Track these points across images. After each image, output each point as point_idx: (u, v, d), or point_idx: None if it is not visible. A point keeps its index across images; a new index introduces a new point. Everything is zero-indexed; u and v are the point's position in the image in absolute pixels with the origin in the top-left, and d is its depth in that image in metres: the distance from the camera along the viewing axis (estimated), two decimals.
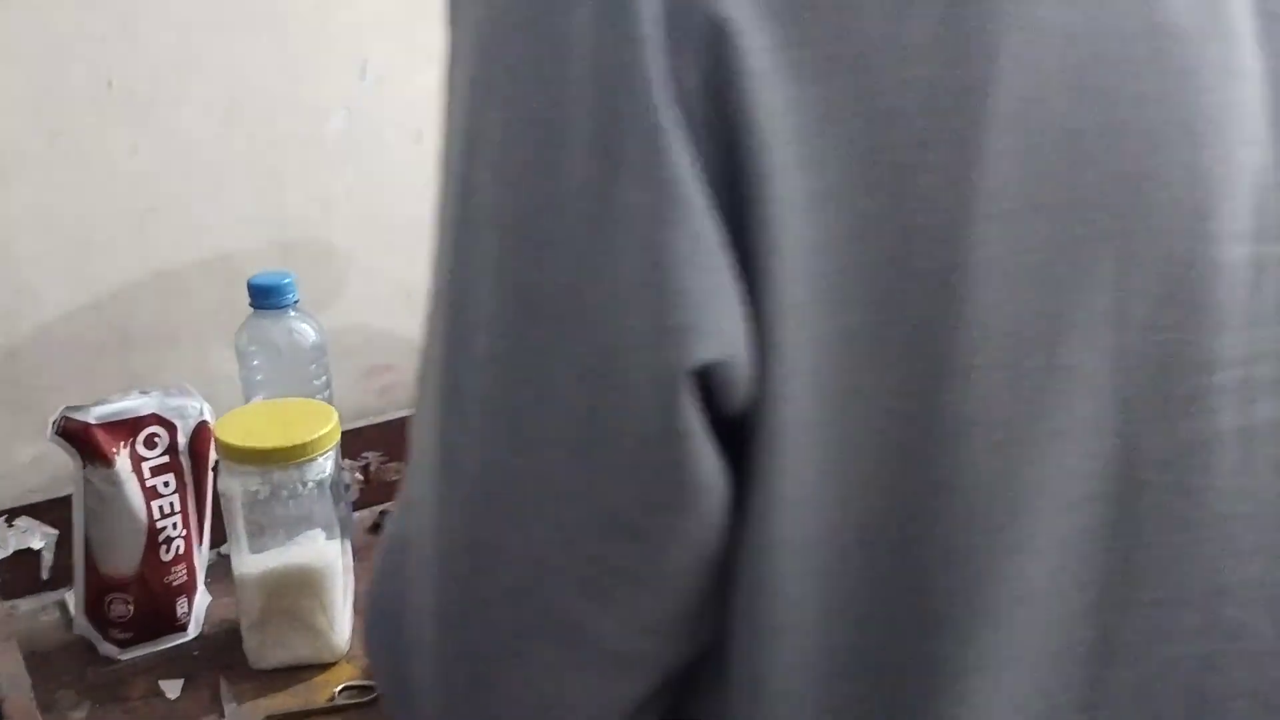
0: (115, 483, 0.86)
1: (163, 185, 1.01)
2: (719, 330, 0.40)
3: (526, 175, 0.41)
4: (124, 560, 0.88)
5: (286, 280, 0.96)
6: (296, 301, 0.97)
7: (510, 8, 0.42)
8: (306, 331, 0.98)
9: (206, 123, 1.01)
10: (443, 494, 0.45)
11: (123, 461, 0.86)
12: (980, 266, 0.41)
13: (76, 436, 0.85)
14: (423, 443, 0.47)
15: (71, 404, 0.86)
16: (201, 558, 0.93)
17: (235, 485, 0.83)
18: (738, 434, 0.42)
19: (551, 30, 0.40)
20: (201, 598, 0.93)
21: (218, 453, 0.85)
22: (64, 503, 0.97)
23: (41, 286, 0.98)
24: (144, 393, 0.88)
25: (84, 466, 0.86)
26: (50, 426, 0.85)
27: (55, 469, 1.02)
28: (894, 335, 0.42)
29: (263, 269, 1.07)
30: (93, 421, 0.85)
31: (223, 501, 0.84)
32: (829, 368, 0.42)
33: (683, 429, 0.41)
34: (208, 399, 0.90)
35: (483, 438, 0.43)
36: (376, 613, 0.52)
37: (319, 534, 0.86)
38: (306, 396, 0.97)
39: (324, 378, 0.99)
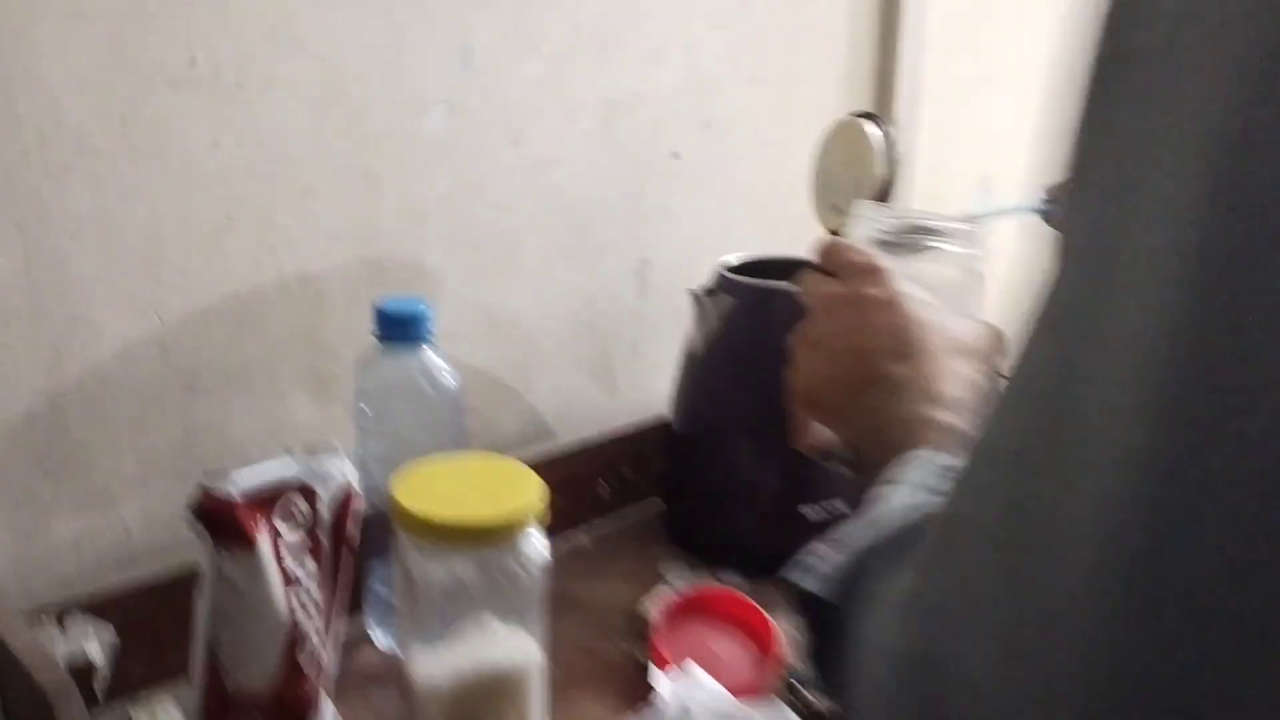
0: (255, 571, 0.66)
1: (244, 188, 0.81)
2: None
3: None
4: (259, 669, 0.68)
5: (422, 309, 0.78)
6: (432, 335, 0.79)
7: None
8: (445, 371, 0.80)
9: (297, 112, 0.82)
10: (1131, 629, 0.32)
11: (263, 544, 0.66)
12: None
13: (217, 516, 0.65)
14: (1022, 552, 0.33)
15: (211, 470, 0.65)
16: (334, 658, 0.73)
17: (438, 571, 0.65)
18: None
19: None
20: (328, 708, 0.74)
21: (407, 529, 0.66)
22: (121, 599, 0.76)
23: (99, 315, 0.77)
24: (287, 453, 0.69)
25: (217, 552, 0.66)
26: (186, 504, 0.64)
27: (101, 551, 0.81)
28: None
29: (346, 292, 0.88)
30: (237, 497, 0.65)
31: (415, 591, 0.66)
32: None
33: None
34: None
35: (1238, 562, 0.31)
36: None
37: (513, 625, 0.69)
38: (436, 450, 0.79)
39: (456, 428, 0.81)
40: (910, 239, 0.80)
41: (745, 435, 0.97)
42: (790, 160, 1.19)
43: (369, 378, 0.80)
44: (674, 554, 0.99)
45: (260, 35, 0.79)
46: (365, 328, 0.81)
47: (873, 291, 0.67)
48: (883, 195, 0.98)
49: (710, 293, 0.97)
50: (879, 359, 0.64)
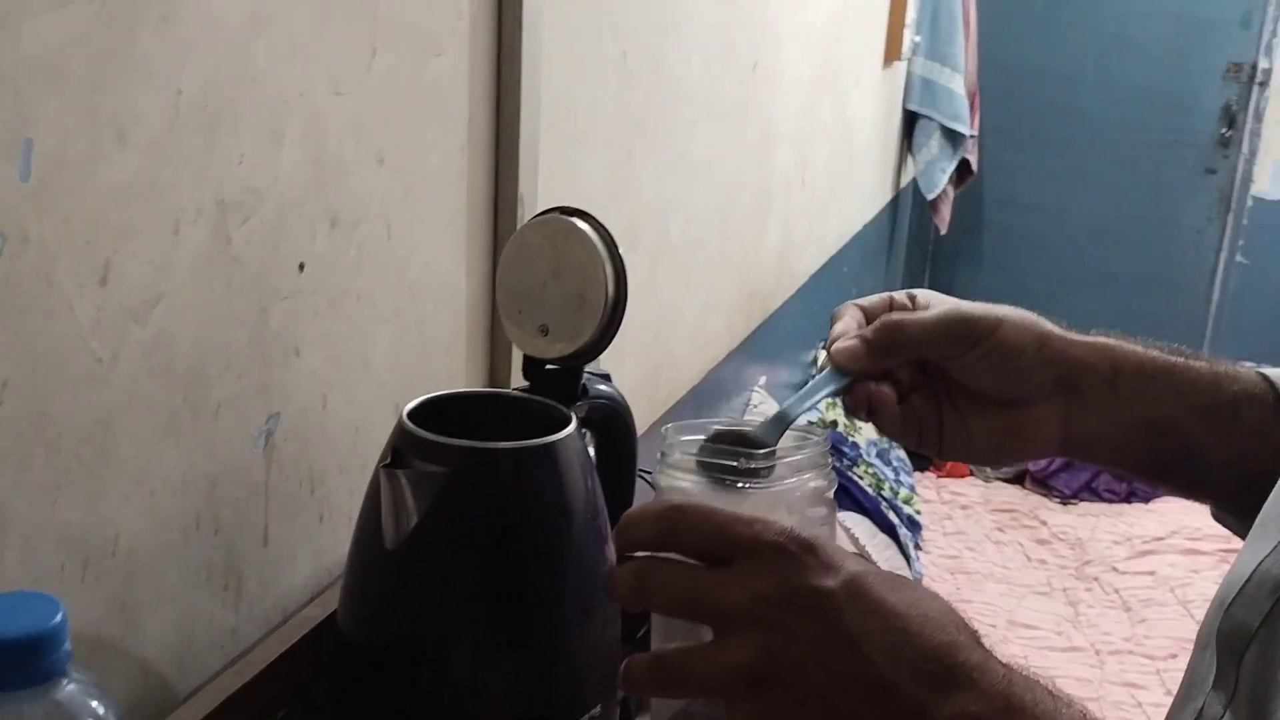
0: None
1: None
2: None
3: None
4: None
5: (52, 620, 0.44)
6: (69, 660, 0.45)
7: None
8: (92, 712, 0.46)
9: None
10: None
11: None
12: None
13: None
14: None
15: None
16: None
17: None
18: None
19: None
20: None
21: None
22: None
23: None
24: None
25: None
26: None
27: None
28: None
29: None
30: None
31: None
32: None
33: None
34: None
35: None
36: None
37: None
38: None
39: None
40: (757, 466, 0.62)
41: (470, 641, 0.71)
42: (423, 257, 0.93)
43: None
44: None
45: None
46: None
47: (826, 583, 0.45)
48: (611, 319, 0.77)
49: (405, 466, 0.70)
50: (905, 687, 0.44)
